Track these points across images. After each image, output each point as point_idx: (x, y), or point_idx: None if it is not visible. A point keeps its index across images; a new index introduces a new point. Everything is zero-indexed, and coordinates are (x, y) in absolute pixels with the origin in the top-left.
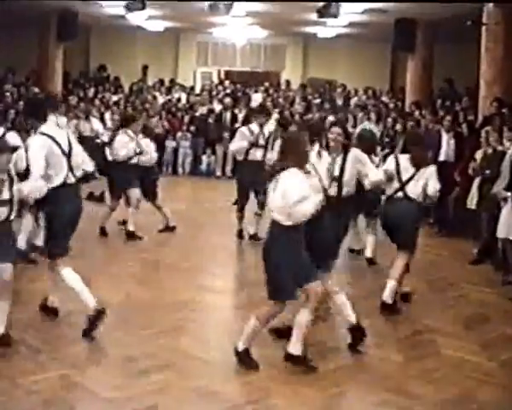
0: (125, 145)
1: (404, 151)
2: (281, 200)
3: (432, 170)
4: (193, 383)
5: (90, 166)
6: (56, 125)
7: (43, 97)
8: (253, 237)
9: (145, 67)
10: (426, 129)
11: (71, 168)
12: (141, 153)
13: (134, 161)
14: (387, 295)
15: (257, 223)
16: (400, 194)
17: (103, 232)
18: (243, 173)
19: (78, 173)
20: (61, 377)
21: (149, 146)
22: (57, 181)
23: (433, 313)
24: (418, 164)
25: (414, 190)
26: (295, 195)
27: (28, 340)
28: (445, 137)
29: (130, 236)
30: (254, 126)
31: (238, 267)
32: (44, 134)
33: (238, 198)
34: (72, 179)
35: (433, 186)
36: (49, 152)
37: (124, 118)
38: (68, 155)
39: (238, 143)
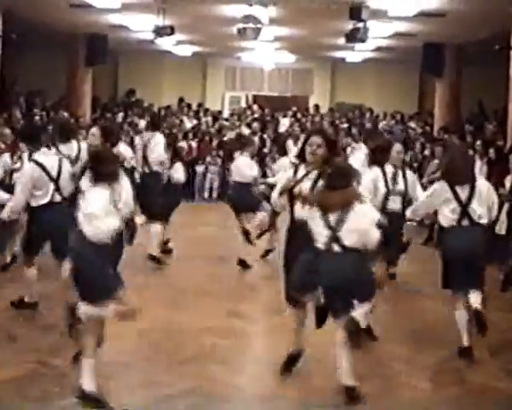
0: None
1: None
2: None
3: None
4: (220, 408)
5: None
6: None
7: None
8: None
9: (181, 100)
10: None
11: (58, 189)
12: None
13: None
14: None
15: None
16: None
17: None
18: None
19: (66, 193)
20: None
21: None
22: (42, 200)
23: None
24: None
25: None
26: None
27: (54, 363)
28: (478, 163)
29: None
30: None
31: (267, 292)
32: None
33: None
34: (57, 198)
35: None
36: (35, 178)
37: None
38: (56, 180)
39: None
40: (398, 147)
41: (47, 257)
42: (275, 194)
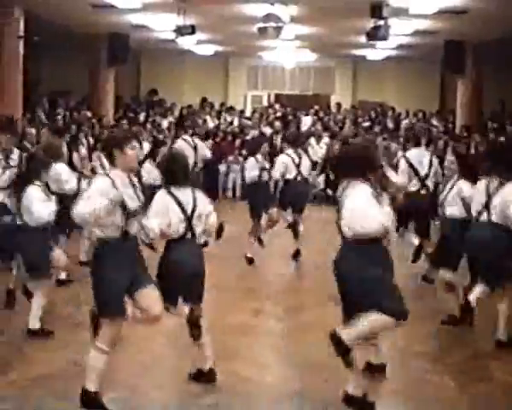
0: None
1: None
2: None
3: None
4: (246, 406)
5: None
6: None
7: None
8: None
9: (204, 100)
10: (475, 151)
11: None
12: None
13: None
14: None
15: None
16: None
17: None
18: None
19: None
20: (119, 400)
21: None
22: None
23: (486, 337)
24: None
25: None
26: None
27: (82, 360)
28: None
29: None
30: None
31: (292, 291)
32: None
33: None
34: None
35: None
36: None
37: None
38: None
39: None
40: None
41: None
42: None
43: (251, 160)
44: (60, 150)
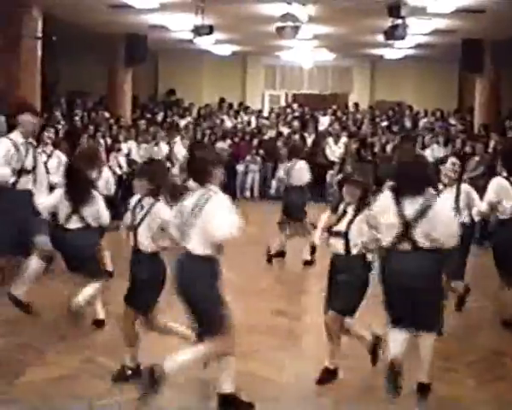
0: None
1: None
2: None
3: None
4: (264, 406)
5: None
6: None
7: None
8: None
9: (222, 100)
10: (494, 151)
11: None
12: None
13: None
14: None
15: None
16: None
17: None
18: None
19: None
20: (129, 400)
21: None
22: None
23: (503, 336)
24: None
25: None
26: None
27: (103, 361)
28: None
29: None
30: None
31: (313, 292)
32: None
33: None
34: None
35: None
36: None
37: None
38: None
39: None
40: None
41: None
42: None
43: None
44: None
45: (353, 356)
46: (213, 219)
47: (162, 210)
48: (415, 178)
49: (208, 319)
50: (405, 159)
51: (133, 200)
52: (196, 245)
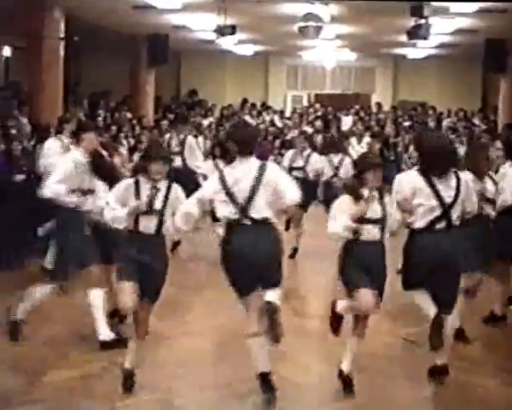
0: None
1: None
2: None
3: None
4: (291, 408)
5: None
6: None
7: None
8: None
9: (245, 101)
10: None
11: None
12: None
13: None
14: None
15: None
16: None
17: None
18: None
19: None
20: (158, 401)
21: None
22: None
23: None
24: None
25: None
26: None
27: (121, 361)
28: None
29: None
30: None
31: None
32: None
33: None
34: None
35: None
36: None
37: None
38: None
39: None
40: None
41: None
42: None
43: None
44: None
45: (384, 358)
46: (280, 185)
47: (180, 191)
48: (444, 158)
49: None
50: (433, 140)
51: (145, 185)
52: (263, 211)
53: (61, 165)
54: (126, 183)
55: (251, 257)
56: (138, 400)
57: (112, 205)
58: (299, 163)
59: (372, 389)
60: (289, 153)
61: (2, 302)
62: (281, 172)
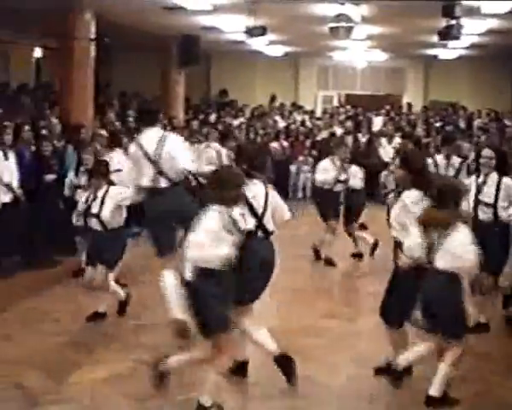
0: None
1: None
2: None
3: None
4: (318, 409)
5: None
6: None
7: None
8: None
9: (273, 98)
10: None
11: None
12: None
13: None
14: None
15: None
16: None
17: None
18: None
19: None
20: (186, 401)
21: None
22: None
23: None
24: None
25: None
26: None
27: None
28: None
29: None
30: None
31: (362, 293)
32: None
33: None
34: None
35: None
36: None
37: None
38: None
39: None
40: (486, 152)
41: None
42: None
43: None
44: None
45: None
46: (279, 204)
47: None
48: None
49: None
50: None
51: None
52: (270, 225)
53: None
54: None
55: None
56: (169, 399)
57: None
58: (343, 176)
59: (405, 390)
60: (324, 164)
61: (32, 301)
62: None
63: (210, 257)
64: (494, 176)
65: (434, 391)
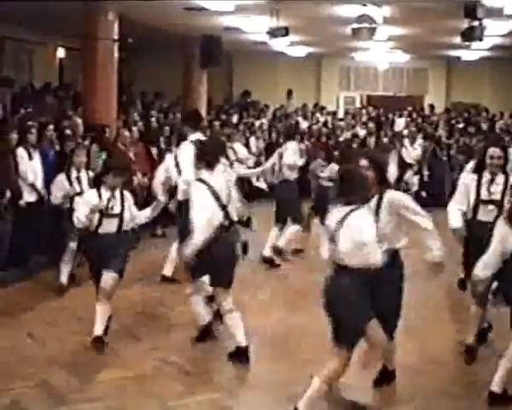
0: None
1: None
2: None
3: None
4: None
5: None
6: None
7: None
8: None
9: (290, 92)
10: None
11: None
12: None
13: None
14: None
15: None
16: None
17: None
18: None
19: None
20: (211, 401)
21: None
22: None
23: None
24: None
25: None
26: None
27: (177, 361)
28: None
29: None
30: None
31: None
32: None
33: None
34: None
35: None
36: None
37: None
38: None
39: None
40: (494, 151)
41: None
42: None
43: None
44: None
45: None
46: None
47: None
48: None
49: None
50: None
51: None
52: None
53: None
54: None
55: None
56: (191, 400)
57: None
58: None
59: (426, 390)
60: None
61: (57, 300)
62: None
63: None
64: (501, 176)
65: (496, 387)
